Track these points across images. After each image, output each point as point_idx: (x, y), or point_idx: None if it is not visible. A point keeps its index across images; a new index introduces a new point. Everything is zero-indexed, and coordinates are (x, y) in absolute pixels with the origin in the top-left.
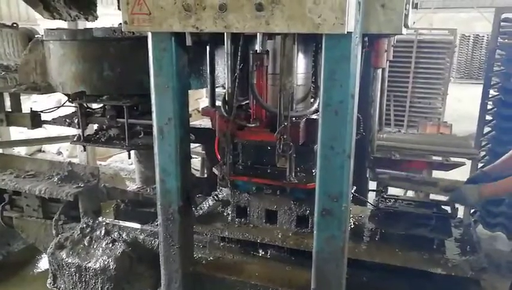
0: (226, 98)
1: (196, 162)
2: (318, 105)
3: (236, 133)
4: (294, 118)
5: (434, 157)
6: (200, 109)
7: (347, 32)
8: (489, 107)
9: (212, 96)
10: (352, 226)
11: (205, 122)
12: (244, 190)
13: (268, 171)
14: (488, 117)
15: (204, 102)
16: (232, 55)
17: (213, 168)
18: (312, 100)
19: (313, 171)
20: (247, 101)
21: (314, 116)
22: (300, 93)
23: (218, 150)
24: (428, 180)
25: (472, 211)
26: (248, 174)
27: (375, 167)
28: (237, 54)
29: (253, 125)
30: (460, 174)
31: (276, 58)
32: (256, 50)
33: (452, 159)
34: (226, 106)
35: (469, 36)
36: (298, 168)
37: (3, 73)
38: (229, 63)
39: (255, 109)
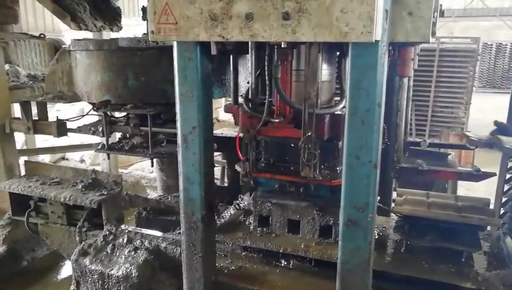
0: (249, 95)
1: (217, 171)
2: (344, 105)
3: (259, 129)
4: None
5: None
6: (220, 118)
7: (375, 40)
8: None
9: (235, 94)
10: (376, 237)
11: (226, 131)
12: (266, 187)
13: (292, 168)
14: None
15: (227, 113)
16: (256, 60)
17: (235, 165)
18: (337, 98)
19: (338, 168)
20: (270, 99)
21: (339, 112)
22: (325, 89)
23: (239, 147)
24: (448, 203)
25: (501, 222)
26: (271, 171)
27: (400, 178)
28: (262, 59)
29: (276, 120)
30: (487, 185)
31: (300, 53)
32: (281, 45)
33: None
34: (249, 103)
35: (491, 45)
36: (322, 166)
37: (30, 82)
38: (253, 58)
39: (279, 104)
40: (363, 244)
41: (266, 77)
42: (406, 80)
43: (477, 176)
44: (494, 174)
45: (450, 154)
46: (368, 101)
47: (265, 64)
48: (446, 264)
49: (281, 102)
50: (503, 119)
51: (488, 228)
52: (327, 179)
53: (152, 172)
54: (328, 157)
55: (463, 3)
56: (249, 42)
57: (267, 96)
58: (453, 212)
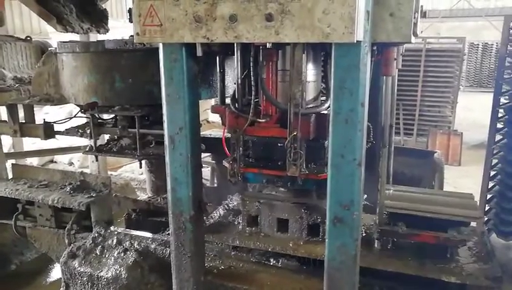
0: (236, 95)
1: (206, 172)
2: (329, 105)
3: (246, 129)
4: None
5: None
6: (209, 120)
7: (356, 41)
8: (500, 115)
9: (222, 94)
10: (363, 235)
11: (215, 132)
12: (254, 182)
13: (279, 163)
14: (499, 125)
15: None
16: (242, 62)
17: (223, 161)
18: (323, 98)
19: (324, 168)
20: (256, 100)
21: (324, 111)
22: (310, 90)
23: (226, 144)
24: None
25: (486, 219)
26: (258, 166)
27: None
28: (247, 61)
29: (263, 120)
30: (475, 183)
31: (285, 54)
32: (266, 45)
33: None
34: (236, 103)
35: (478, 44)
36: (309, 165)
37: (17, 85)
38: (239, 68)
39: (265, 104)
40: (349, 241)
41: (252, 77)
42: (390, 79)
43: (455, 241)
44: (470, 240)
45: (436, 152)
46: (352, 101)
47: (251, 65)
48: (432, 259)
49: (267, 102)
50: (488, 117)
51: (473, 223)
52: (314, 173)
53: (142, 174)
54: (314, 156)
55: (449, 4)
56: (235, 45)
57: (252, 97)
58: (440, 207)
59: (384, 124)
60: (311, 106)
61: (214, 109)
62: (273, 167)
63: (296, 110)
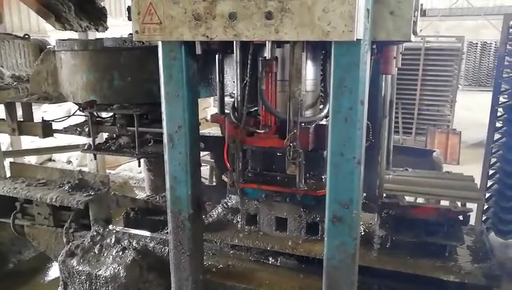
0: (235, 105)
1: (205, 171)
2: (327, 111)
3: (245, 139)
4: (303, 124)
5: (441, 202)
6: (208, 118)
7: (356, 39)
8: (499, 114)
9: (222, 103)
10: (362, 233)
11: (214, 131)
12: (253, 197)
13: (278, 178)
14: (498, 124)
15: (212, 111)
16: (241, 62)
17: (222, 176)
18: (321, 106)
19: (323, 177)
20: (256, 108)
21: (323, 122)
22: (309, 100)
23: (227, 156)
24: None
25: (484, 217)
26: (257, 182)
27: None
28: (247, 60)
29: (262, 131)
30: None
31: (285, 64)
32: (265, 56)
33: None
34: (236, 113)
35: (477, 43)
36: (308, 174)
37: (15, 83)
38: (238, 70)
39: (264, 115)
40: (348, 240)
41: (247, 87)
42: (389, 77)
43: (455, 212)
44: (470, 210)
45: (434, 151)
46: (351, 99)
47: (249, 73)
48: (430, 258)
49: (266, 112)
50: (487, 116)
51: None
52: (312, 189)
53: (140, 172)
54: (313, 165)
55: (448, 3)
56: (234, 44)
57: (244, 108)
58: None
59: (384, 99)
60: (309, 114)
61: (214, 119)
62: (272, 182)
63: (295, 118)
